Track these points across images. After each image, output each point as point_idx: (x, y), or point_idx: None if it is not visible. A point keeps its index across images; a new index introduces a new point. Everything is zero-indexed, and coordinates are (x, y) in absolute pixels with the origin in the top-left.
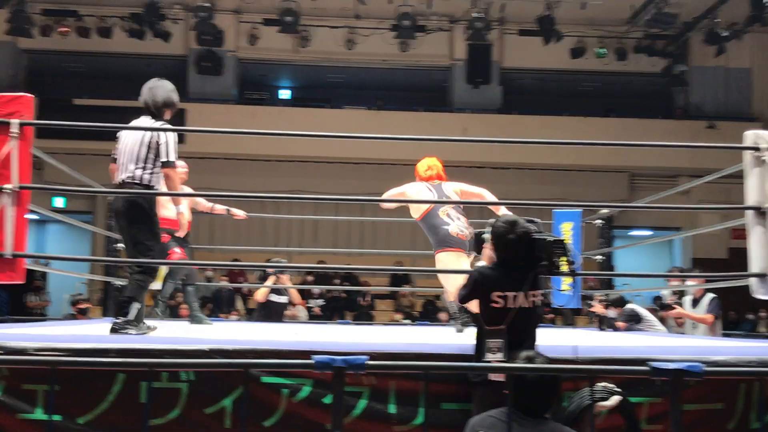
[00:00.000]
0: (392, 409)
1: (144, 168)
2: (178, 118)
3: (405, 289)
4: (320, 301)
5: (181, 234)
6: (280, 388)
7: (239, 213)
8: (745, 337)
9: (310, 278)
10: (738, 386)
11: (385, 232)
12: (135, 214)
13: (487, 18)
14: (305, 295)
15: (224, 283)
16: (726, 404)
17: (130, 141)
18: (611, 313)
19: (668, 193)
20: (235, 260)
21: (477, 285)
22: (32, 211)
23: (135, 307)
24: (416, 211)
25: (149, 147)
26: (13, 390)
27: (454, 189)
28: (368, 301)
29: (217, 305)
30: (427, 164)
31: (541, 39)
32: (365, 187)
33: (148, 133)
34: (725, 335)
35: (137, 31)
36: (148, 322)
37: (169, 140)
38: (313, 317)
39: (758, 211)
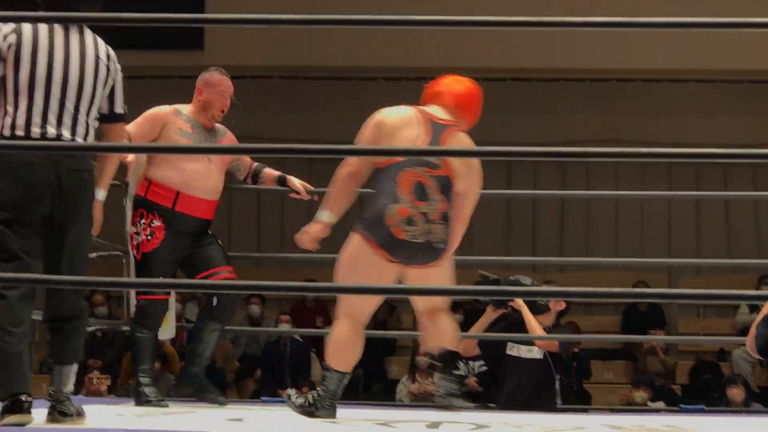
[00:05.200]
0: None
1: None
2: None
3: (651, 338)
4: (479, 364)
5: (187, 227)
6: None
7: (300, 188)
8: None
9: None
10: None
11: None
12: (87, 200)
13: None
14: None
15: (286, 328)
16: None
17: (73, 64)
18: None
19: None
20: (309, 280)
21: None
22: None
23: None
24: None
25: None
26: None
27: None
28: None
29: (274, 371)
30: (462, 87)
31: None
32: None
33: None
34: None
35: None
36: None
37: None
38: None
39: None
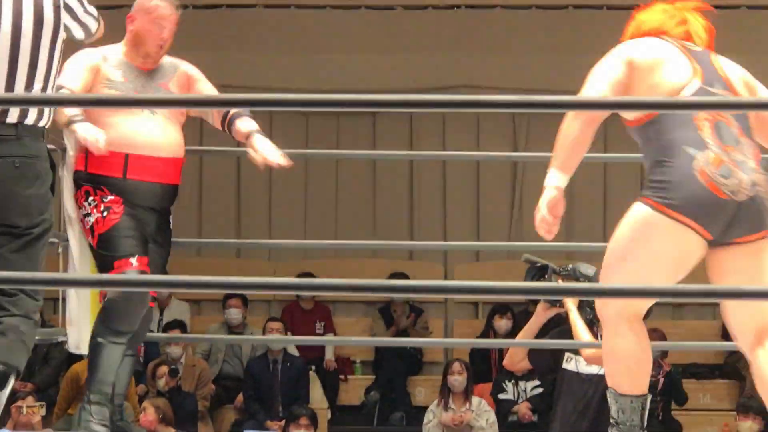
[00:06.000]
0: None
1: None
2: None
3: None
4: (532, 385)
5: (147, 199)
6: None
7: (274, 156)
8: None
9: None
10: None
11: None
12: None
13: None
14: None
15: (277, 337)
16: None
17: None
18: None
19: None
20: (305, 274)
21: None
22: None
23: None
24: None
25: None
26: None
27: (741, 76)
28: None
29: (261, 395)
30: (676, 11)
31: None
32: None
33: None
34: None
35: None
36: None
37: None
38: (510, 424)
39: None
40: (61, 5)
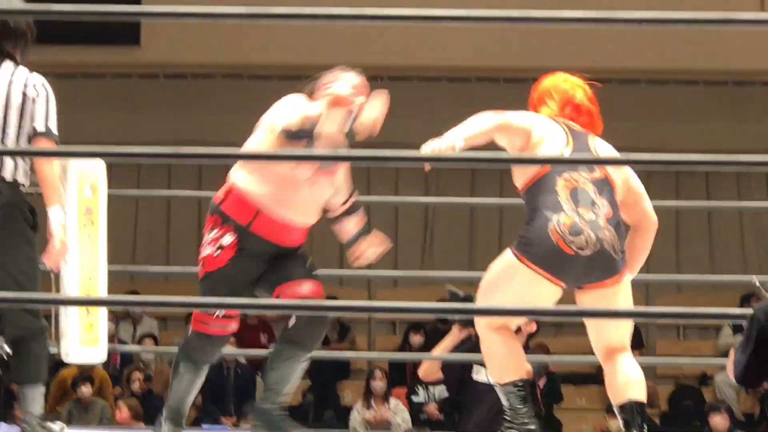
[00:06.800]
0: None
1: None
2: None
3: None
4: (440, 389)
5: (261, 253)
6: None
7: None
8: None
9: None
10: None
11: None
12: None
13: None
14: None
15: (231, 350)
16: None
17: None
18: None
19: None
20: None
21: (763, 340)
22: None
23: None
24: (522, 174)
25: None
26: None
27: (620, 174)
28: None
29: (216, 396)
30: (571, 85)
31: None
32: None
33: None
34: None
35: None
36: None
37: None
38: (421, 422)
39: None
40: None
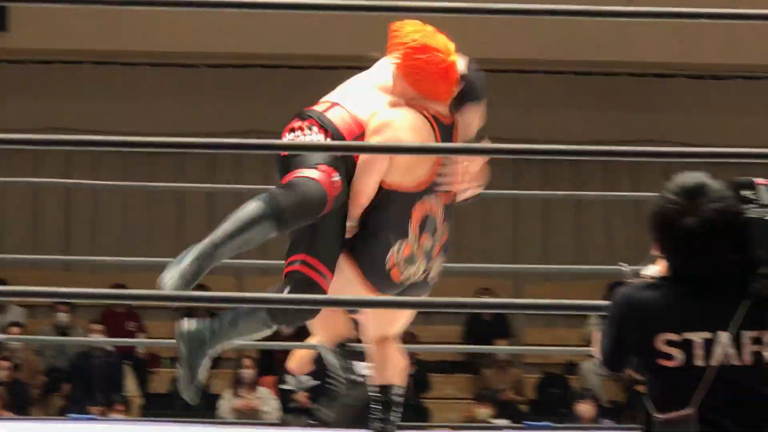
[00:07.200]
0: None
1: None
2: None
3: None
4: (307, 378)
5: None
6: None
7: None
8: None
9: None
10: None
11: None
12: None
13: None
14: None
15: (98, 338)
16: None
17: None
18: None
19: None
20: (118, 285)
21: (625, 322)
22: None
23: None
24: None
25: None
26: None
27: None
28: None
29: (84, 386)
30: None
31: None
32: None
33: None
34: None
35: None
36: None
37: None
38: (290, 410)
39: None
40: None
